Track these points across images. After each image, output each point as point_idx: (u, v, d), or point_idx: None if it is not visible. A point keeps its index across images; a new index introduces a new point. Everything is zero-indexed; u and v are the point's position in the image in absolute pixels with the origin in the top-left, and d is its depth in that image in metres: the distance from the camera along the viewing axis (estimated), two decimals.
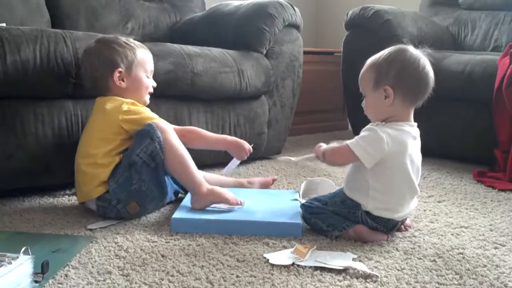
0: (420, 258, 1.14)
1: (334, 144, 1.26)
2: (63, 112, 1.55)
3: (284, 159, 1.44)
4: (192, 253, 1.14)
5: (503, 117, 1.98)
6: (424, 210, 1.51)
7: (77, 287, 0.97)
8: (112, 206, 1.35)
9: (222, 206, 1.38)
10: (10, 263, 0.90)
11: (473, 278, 1.04)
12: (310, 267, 1.06)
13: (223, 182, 1.61)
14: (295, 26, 2.21)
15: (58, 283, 0.98)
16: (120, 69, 1.44)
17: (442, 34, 2.72)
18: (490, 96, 2.01)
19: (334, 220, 1.25)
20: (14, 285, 0.89)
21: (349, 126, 3.06)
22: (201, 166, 1.52)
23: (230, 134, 2.01)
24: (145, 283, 0.98)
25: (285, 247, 1.18)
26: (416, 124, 1.26)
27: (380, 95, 1.23)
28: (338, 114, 3.35)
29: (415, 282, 1.01)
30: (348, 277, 1.03)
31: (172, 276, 1.02)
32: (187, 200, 1.43)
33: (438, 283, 1.01)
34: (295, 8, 2.20)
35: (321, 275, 1.03)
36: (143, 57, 1.49)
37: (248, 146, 1.56)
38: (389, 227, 1.25)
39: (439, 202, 1.62)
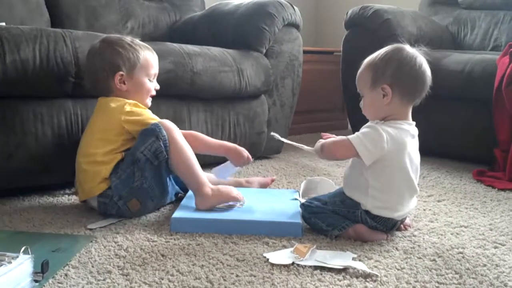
0: (420, 258, 1.13)
1: (334, 138, 1.26)
2: (63, 112, 1.55)
3: (273, 135, 1.42)
4: (192, 253, 1.14)
5: (503, 117, 1.98)
6: (424, 210, 1.51)
7: (77, 287, 0.97)
8: (113, 203, 1.35)
9: (222, 204, 1.38)
10: (10, 262, 0.90)
11: (473, 278, 1.04)
12: (310, 266, 1.06)
13: (220, 181, 1.60)
14: (295, 26, 2.21)
15: (58, 282, 0.98)
16: (121, 72, 1.43)
17: (441, 34, 2.73)
18: (489, 96, 2.01)
19: (334, 220, 1.25)
20: (14, 285, 0.89)
21: (349, 125, 3.06)
22: (204, 166, 1.51)
23: (229, 133, 2.01)
24: (145, 283, 0.98)
25: (285, 247, 1.18)
26: (414, 122, 1.26)
27: (378, 94, 1.23)
28: (338, 114, 3.36)
29: (415, 282, 1.01)
30: (348, 276, 1.03)
31: (172, 275, 1.02)
32: (187, 200, 1.43)
33: (438, 282, 1.01)
34: (294, 7, 2.20)
35: (321, 274, 1.03)
36: (147, 60, 1.48)
37: (247, 154, 1.53)
38: (389, 227, 1.25)
39: (438, 201, 1.62)
